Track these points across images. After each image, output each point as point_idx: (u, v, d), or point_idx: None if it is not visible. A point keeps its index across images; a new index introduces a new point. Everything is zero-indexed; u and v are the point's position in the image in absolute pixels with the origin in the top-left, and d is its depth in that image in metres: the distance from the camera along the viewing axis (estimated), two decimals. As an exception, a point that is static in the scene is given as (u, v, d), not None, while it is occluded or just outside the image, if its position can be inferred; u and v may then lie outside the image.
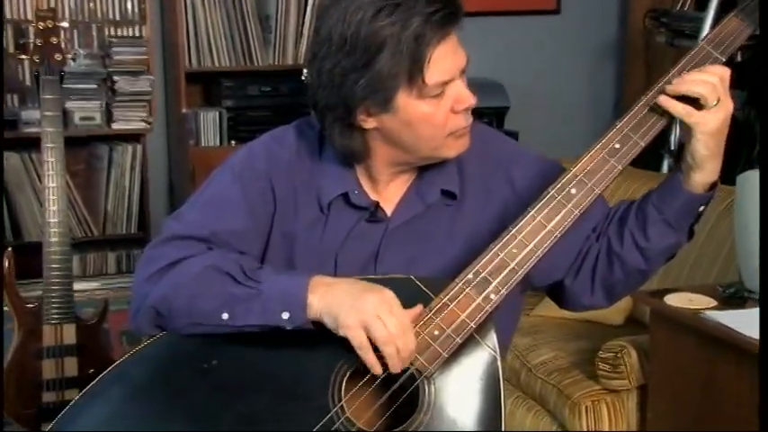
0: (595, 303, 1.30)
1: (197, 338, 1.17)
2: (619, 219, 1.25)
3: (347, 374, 1.14)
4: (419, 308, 1.15)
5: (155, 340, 1.18)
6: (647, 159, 2.67)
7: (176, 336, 1.17)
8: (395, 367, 1.11)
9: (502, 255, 1.16)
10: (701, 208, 1.22)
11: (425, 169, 1.24)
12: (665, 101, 1.15)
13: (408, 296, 1.14)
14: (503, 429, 1.14)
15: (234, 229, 1.20)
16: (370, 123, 1.17)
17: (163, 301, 1.15)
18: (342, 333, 1.11)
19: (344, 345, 1.12)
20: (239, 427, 1.13)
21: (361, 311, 1.09)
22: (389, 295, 1.12)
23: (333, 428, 1.12)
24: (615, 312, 2.49)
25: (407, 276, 1.17)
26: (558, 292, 1.32)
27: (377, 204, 1.24)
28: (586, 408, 2.20)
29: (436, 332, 1.14)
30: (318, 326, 1.14)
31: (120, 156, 3.11)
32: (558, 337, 2.48)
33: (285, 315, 1.12)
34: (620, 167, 1.17)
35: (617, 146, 1.17)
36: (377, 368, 1.12)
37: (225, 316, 1.13)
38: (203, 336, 1.16)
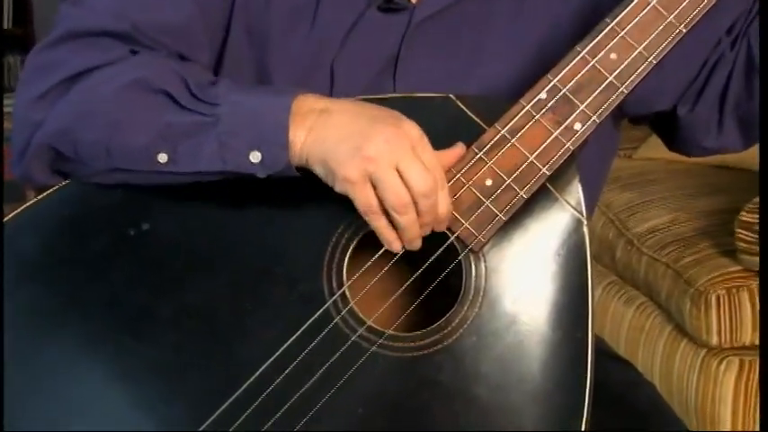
0: (724, 145, 1.32)
1: (118, 191, 1.16)
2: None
3: (352, 246, 1.13)
4: (460, 147, 1.12)
5: (51, 195, 1.17)
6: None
7: (86, 187, 1.17)
8: (412, 242, 1.10)
9: (593, 62, 1.13)
10: None
11: None
12: None
13: (445, 127, 1.14)
14: (589, 331, 1.13)
15: (169, 20, 1.19)
16: None
17: (63, 136, 1.14)
18: (339, 189, 1.08)
19: (347, 200, 1.10)
20: (182, 325, 1.13)
21: (367, 156, 1.06)
22: (411, 129, 1.08)
23: (330, 327, 1.12)
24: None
25: (444, 96, 1.16)
26: (667, 127, 1.34)
27: (395, -18, 1.22)
28: (718, 299, 2.19)
29: (489, 182, 1.13)
30: (307, 173, 1.11)
31: None
32: (676, 192, 2.51)
33: (255, 156, 1.09)
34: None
35: None
36: (394, 244, 1.10)
37: (162, 158, 1.11)
38: (128, 187, 1.16)
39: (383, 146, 1.07)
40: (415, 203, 1.08)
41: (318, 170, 1.09)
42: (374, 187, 1.07)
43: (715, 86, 1.27)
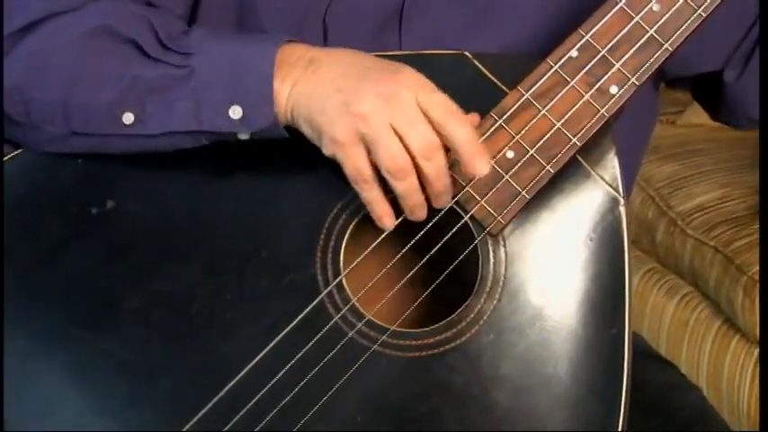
0: None
1: (79, 162, 1.16)
2: None
3: (350, 228, 1.13)
4: (474, 116, 1.12)
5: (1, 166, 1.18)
6: None
7: (41, 157, 1.17)
8: (414, 212, 1.10)
9: (631, 13, 1.13)
10: None
11: None
12: None
13: (459, 90, 1.12)
14: (626, 326, 1.13)
15: None
16: None
17: (13, 95, 1.14)
18: (327, 151, 1.09)
19: (344, 174, 1.11)
20: (152, 318, 1.13)
21: (358, 113, 1.06)
22: (411, 77, 1.08)
23: (324, 321, 1.12)
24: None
25: (458, 53, 1.17)
26: (711, 94, 1.35)
27: None
28: (773, 288, 2.22)
29: (510, 154, 1.13)
30: (296, 137, 1.12)
31: None
32: (727, 164, 2.51)
33: (235, 112, 1.10)
34: None
35: None
36: (384, 219, 1.10)
37: (128, 118, 1.12)
38: (90, 157, 1.16)
39: (376, 101, 1.07)
40: (420, 167, 1.07)
41: (305, 129, 1.10)
42: (368, 150, 1.07)
43: None
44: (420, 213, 1.10)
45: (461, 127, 1.07)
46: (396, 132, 1.07)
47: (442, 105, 1.08)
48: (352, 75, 1.10)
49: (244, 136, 1.11)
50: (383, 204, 1.09)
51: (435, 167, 1.08)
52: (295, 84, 1.10)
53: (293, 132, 1.11)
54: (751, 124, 1.35)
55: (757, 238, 2.27)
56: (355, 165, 1.08)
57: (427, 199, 1.10)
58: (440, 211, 1.11)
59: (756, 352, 2.21)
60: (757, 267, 2.21)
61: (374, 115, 1.07)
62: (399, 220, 1.10)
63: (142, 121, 1.12)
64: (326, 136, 1.08)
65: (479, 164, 1.08)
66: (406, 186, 1.08)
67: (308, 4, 1.23)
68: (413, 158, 1.07)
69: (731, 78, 1.31)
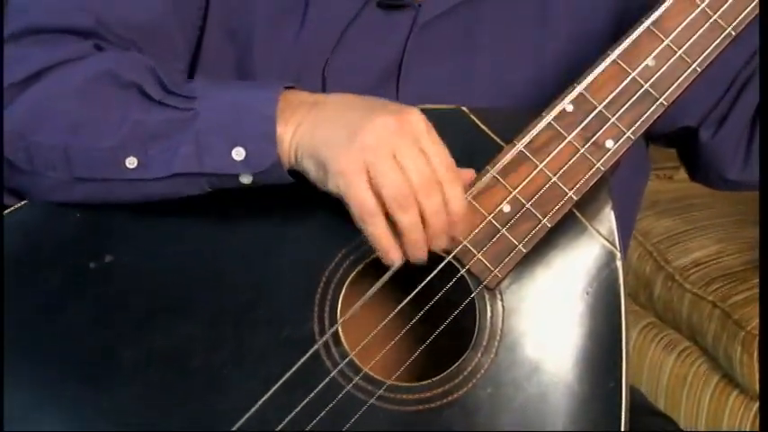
0: (749, 180, 1.32)
1: (77, 215, 1.16)
2: None
3: (350, 277, 1.13)
4: (469, 172, 1.12)
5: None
6: None
7: (40, 211, 1.17)
8: (416, 252, 1.08)
9: (627, 68, 1.13)
10: None
11: None
12: None
13: (456, 143, 1.12)
14: (623, 381, 1.12)
15: (139, 16, 1.21)
16: None
17: (18, 140, 1.14)
18: (332, 186, 1.07)
19: (347, 221, 1.09)
20: (149, 373, 1.12)
21: (364, 145, 1.06)
22: (415, 117, 1.08)
23: (322, 375, 1.11)
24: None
25: (455, 107, 1.16)
26: (688, 151, 1.36)
27: (399, -25, 1.24)
28: (771, 343, 2.17)
29: (506, 208, 1.13)
30: (299, 179, 1.11)
31: None
32: (724, 218, 2.50)
33: (238, 153, 1.09)
34: None
35: None
36: (392, 252, 1.08)
37: (131, 162, 1.11)
38: (88, 211, 1.16)
39: (382, 132, 1.06)
40: (419, 203, 1.06)
41: (309, 166, 1.09)
42: (371, 184, 1.07)
43: (743, 110, 1.28)
44: (421, 253, 1.08)
45: (457, 188, 1.07)
46: (399, 167, 1.06)
47: (442, 158, 1.07)
48: (357, 109, 1.09)
49: (246, 179, 1.10)
50: (389, 238, 1.08)
51: (434, 205, 1.06)
52: (299, 125, 1.09)
53: (294, 177, 1.10)
54: (726, 185, 1.35)
55: (755, 293, 2.26)
56: (362, 196, 1.06)
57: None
58: (438, 264, 1.10)
59: (755, 406, 2.20)
60: (755, 322, 2.20)
61: (381, 146, 1.06)
62: (402, 263, 1.09)
63: (145, 165, 1.11)
64: (332, 168, 1.07)
65: (458, 231, 1.09)
66: (410, 219, 1.06)
67: (307, 58, 1.23)
68: (413, 192, 1.06)
69: (706, 137, 1.30)
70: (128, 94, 1.12)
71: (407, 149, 1.06)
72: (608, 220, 1.14)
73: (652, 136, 1.34)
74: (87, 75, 1.13)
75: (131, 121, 1.11)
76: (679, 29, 1.12)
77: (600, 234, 1.13)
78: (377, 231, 1.07)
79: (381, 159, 1.06)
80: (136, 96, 1.12)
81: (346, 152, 1.06)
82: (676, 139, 1.34)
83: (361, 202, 1.06)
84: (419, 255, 1.08)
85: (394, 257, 1.08)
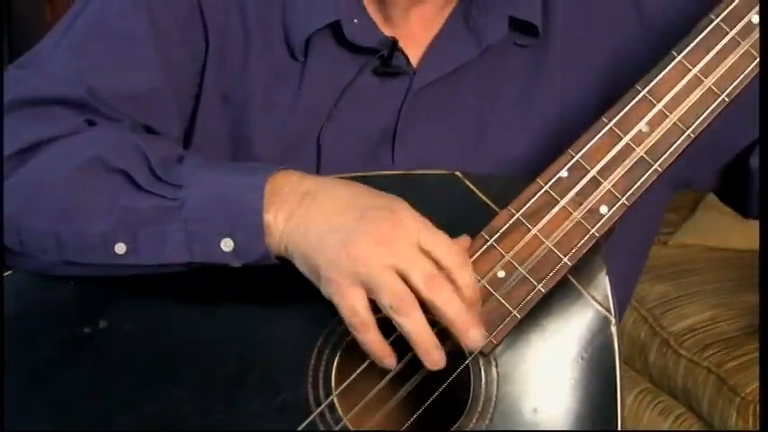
0: None
1: (70, 282, 1.17)
2: None
3: (342, 346, 1.13)
4: (464, 239, 1.11)
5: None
6: None
7: (32, 278, 1.17)
8: (428, 355, 1.07)
9: (621, 134, 1.13)
10: None
11: None
12: None
13: (450, 209, 1.14)
14: None
15: (131, 87, 1.21)
16: None
17: (8, 224, 1.14)
18: (323, 291, 1.08)
19: None
20: None
21: (357, 256, 1.05)
22: (409, 220, 1.07)
23: None
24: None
25: (449, 173, 1.16)
26: (736, 186, 1.30)
27: (394, 43, 1.23)
28: (766, 409, 2.18)
29: (501, 274, 1.12)
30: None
31: None
32: (718, 284, 2.52)
33: (227, 244, 1.09)
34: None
35: None
36: (386, 360, 1.08)
37: (120, 248, 1.11)
38: (82, 278, 1.16)
39: (374, 245, 1.06)
40: (429, 301, 1.06)
41: (301, 266, 1.09)
42: (367, 292, 1.06)
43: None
44: (436, 356, 1.07)
45: (466, 272, 1.07)
46: (398, 273, 1.06)
47: (444, 248, 1.07)
48: (347, 212, 1.09)
49: (236, 264, 1.10)
50: (382, 346, 1.08)
51: (444, 297, 1.06)
52: (289, 218, 1.09)
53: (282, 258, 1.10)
54: None
55: (750, 358, 2.26)
56: (353, 307, 1.06)
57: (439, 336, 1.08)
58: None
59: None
60: (751, 388, 2.19)
61: (373, 258, 1.06)
62: (409, 357, 1.08)
63: (135, 251, 1.11)
64: (324, 275, 1.07)
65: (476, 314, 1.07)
66: (412, 322, 1.06)
67: (303, 124, 1.23)
68: (419, 295, 1.06)
69: (755, 164, 1.26)
70: (115, 181, 1.12)
71: (405, 254, 1.06)
72: (603, 285, 1.13)
73: (687, 183, 1.32)
74: (75, 161, 1.14)
75: (119, 208, 1.11)
76: (672, 95, 1.13)
77: (594, 300, 1.13)
78: (368, 339, 1.07)
79: (375, 271, 1.06)
80: (122, 182, 1.12)
81: (338, 262, 1.06)
82: (723, 177, 1.30)
83: (353, 313, 1.07)
84: (434, 358, 1.07)
85: (388, 365, 1.08)
